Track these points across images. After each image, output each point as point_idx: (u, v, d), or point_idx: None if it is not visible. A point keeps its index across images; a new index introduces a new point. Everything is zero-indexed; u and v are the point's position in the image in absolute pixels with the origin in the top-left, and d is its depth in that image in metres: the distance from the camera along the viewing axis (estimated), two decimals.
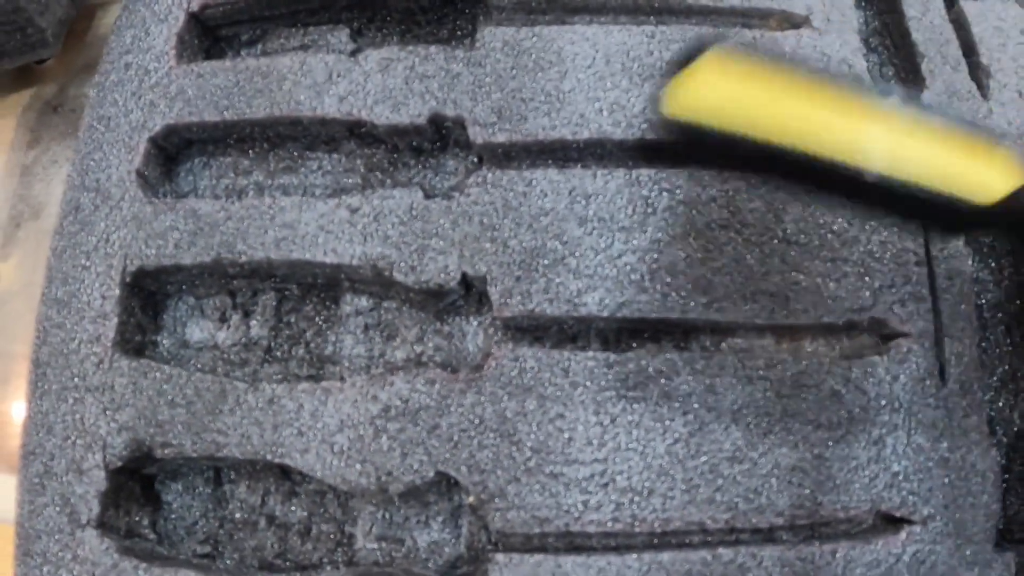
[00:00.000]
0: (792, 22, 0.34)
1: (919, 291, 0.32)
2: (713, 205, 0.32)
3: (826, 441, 0.30)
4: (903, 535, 0.30)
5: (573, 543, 0.30)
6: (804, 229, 0.32)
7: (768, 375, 0.31)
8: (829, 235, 0.32)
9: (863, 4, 0.35)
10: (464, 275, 0.31)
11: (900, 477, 0.31)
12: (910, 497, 0.31)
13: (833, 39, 0.34)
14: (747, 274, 0.31)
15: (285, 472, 0.34)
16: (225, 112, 0.35)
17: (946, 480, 0.31)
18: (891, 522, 0.31)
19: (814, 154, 0.23)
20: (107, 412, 0.34)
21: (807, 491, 0.30)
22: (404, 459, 0.30)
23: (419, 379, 0.30)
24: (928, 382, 0.31)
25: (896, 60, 0.35)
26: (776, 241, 0.32)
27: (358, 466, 0.30)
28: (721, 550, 0.30)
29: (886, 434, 0.31)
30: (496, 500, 0.29)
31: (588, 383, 0.30)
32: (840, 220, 0.32)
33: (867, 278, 0.32)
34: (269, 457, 0.31)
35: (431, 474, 0.30)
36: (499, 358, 0.30)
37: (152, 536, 0.35)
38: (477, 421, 0.30)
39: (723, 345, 0.32)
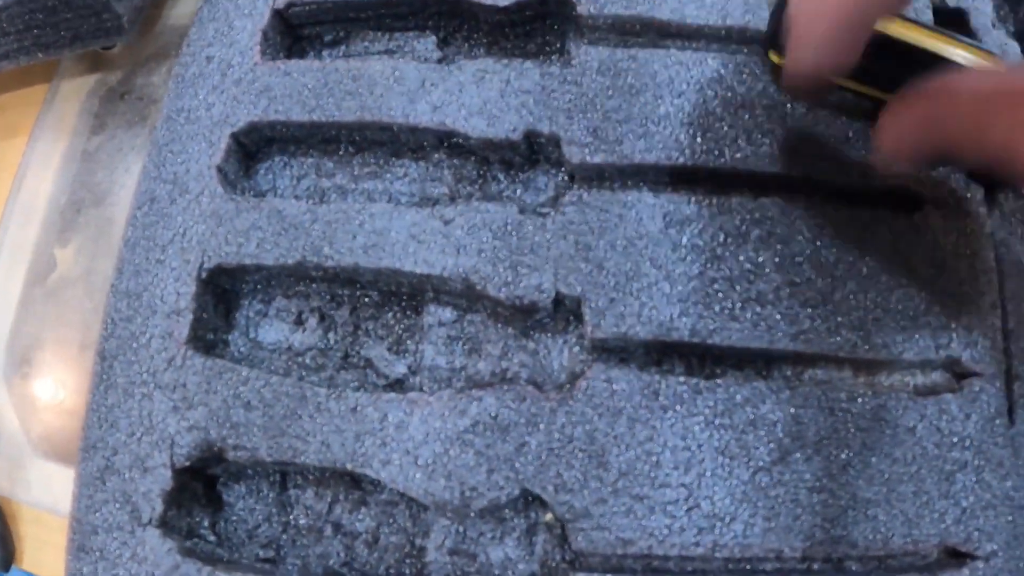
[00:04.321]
0: None
1: (992, 333, 0.33)
2: (801, 239, 0.32)
3: (901, 476, 0.31)
4: (966, 571, 0.31)
5: (651, 565, 0.30)
6: (886, 266, 0.32)
7: (849, 408, 0.31)
8: (909, 274, 0.32)
9: None
10: (558, 293, 0.31)
11: (967, 514, 0.32)
12: (975, 533, 0.32)
13: None
14: (832, 308, 0.32)
15: (355, 480, 0.34)
16: (313, 112, 0.35)
17: (1010, 518, 0.32)
18: (954, 556, 0.32)
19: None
20: (177, 410, 0.33)
21: (881, 524, 0.31)
22: (490, 475, 0.30)
23: (509, 395, 0.30)
24: (998, 421, 0.32)
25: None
26: (860, 277, 0.32)
27: (442, 480, 0.30)
28: None
29: (956, 471, 0.32)
30: (581, 520, 0.30)
31: (677, 407, 0.30)
32: (920, 262, 0.33)
33: (944, 318, 0.32)
34: (349, 466, 0.31)
35: (516, 492, 0.30)
36: (591, 379, 0.30)
37: (212, 538, 0.35)
38: (567, 440, 0.30)
39: (804, 376, 0.33)
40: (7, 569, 0.41)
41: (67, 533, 0.34)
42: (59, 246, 0.43)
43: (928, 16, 0.36)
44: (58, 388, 0.41)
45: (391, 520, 0.34)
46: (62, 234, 0.43)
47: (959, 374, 0.33)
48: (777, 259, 0.32)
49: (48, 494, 0.41)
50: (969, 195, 0.33)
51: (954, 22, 0.36)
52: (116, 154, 0.43)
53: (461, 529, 0.32)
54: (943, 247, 0.33)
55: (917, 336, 0.32)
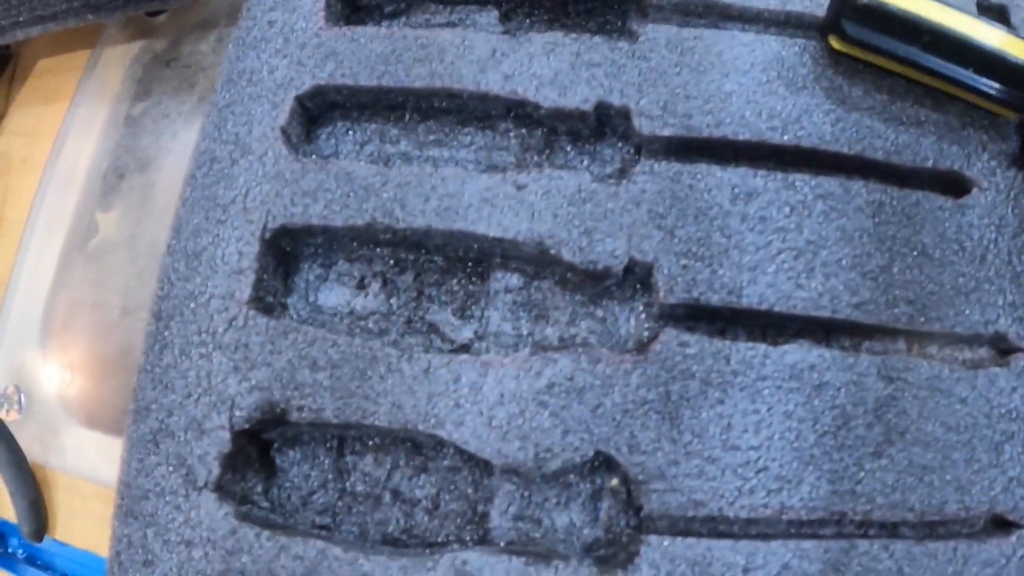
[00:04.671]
0: None
1: None
2: (860, 214, 0.34)
3: (955, 444, 0.32)
4: (1014, 538, 0.32)
5: (718, 528, 0.31)
6: (939, 244, 0.34)
7: (906, 376, 0.32)
8: (961, 250, 0.34)
9: None
10: (631, 259, 0.32)
11: (1015, 483, 0.33)
12: (1022, 502, 0.33)
13: None
14: (889, 281, 0.33)
15: (416, 446, 0.34)
16: (382, 78, 0.35)
17: None
18: (1001, 525, 0.33)
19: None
20: (238, 370, 0.33)
21: (936, 490, 0.32)
22: (565, 436, 0.30)
23: (584, 357, 0.31)
24: None
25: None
26: (916, 253, 0.33)
27: (517, 442, 0.30)
28: (857, 541, 0.31)
29: (1003, 440, 0.33)
30: (654, 482, 0.30)
31: (748, 372, 0.31)
32: (971, 239, 0.34)
33: (991, 295, 0.34)
34: (421, 428, 0.31)
35: (591, 453, 0.30)
36: (664, 342, 0.31)
37: (265, 504, 0.34)
38: (641, 402, 0.30)
39: (862, 347, 0.34)
40: (40, 539, 0.39)
41: (115, 499, 0.33)
42: (101, 211, 0.42)
43: (972, 11, 0.37)
44: (96, 353, 0.40)
45: (452, 487, 0.34)
46: (104, 199, 0.42)
47: (1004, 350, 0.34)
48: (839, 232, 0.33)
49: (83, 462, 0.40)
50: (1014, 179, 0.35)
51: (996, 18, 0.38)
52: (162, 120, 0.43)
53: (526, 494, 0.33)
54: (990, 228, 0.35)
55: (967, 311, 0.33)
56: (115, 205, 0.41)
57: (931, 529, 0.33)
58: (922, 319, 0.33)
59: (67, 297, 0.41)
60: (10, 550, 0.42)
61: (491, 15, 0.38)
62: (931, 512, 0.32)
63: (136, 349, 0.35)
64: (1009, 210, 0.35)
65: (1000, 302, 0.34)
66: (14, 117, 0.46)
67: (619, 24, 0.38)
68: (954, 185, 0.35)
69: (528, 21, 0.39)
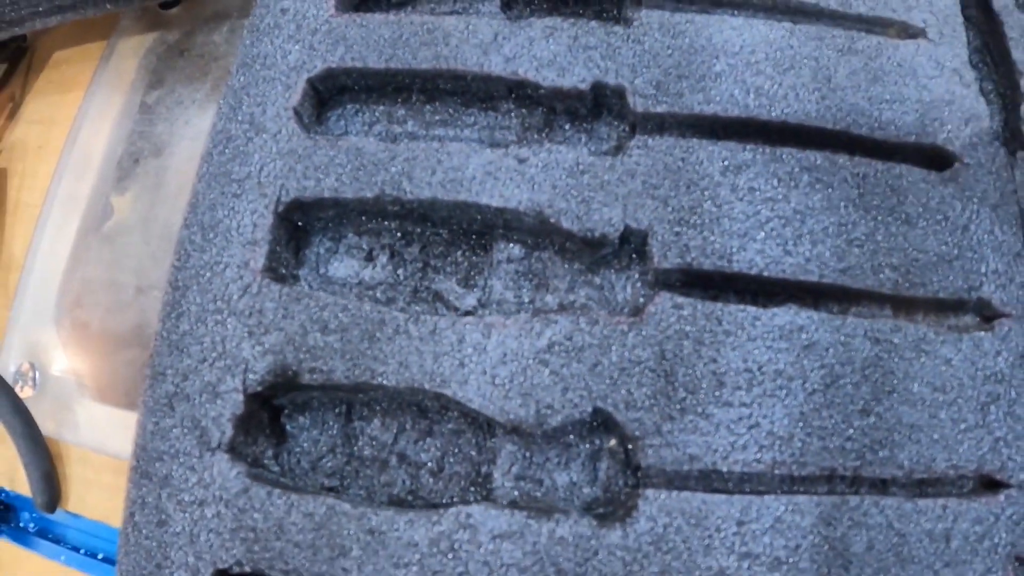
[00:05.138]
0: (909, 32, 0.39)
1: (1020, 278, 0.35)
2: (846, 185, 0.35)
3: (941, 403, 0.33)
4: (1002, 497, 0.33)
5: (712, 484, 0.32)
6: (923, 214, 0.35)
7: (892, 338, 0.34)
8: (944, 220, 0.35)
9: (969, 24, 0.40)
10: (626, 227, 0.33)
11: (1001, 443, 0.34)
12: (1009, 462, 0.34)
13: (946, 50, 0.38)
14: (875, 248, 0.34)
15: (422, 410, 0.35)
16: (389, 61, 0.37)
17: None
18: (989, 485, 0.34)
19: None
20: (252, 335, 0.34)
21: (924, 447, 0.33)
22: (564, 394, 0.31)
23: (583, 319, 0.32)
24: None
25: (996, 76, 0.39)
26: (900, 222, 0.35)
27: (519, 399, 0.32)
28: (848, 496, 0.32)
29: (989, 402, 0.34)
30: (650, 437, 0.31)
31: (739, 332, 0.32)
32: (953, 209, 0.36)
33: (975, 263, 0.35)
34: (427, 386, 0.32)
35: (589, 409, 0.31)
36: (659, 304, 0.32)
37: (275, 468, 0.35)
38: (637, 361, 0.32)
39: (849, 312, 0.35)
40: (53, 510, 0.40)
41: (129, 462, 0.34)
42: (116, 194, 0.43)
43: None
44: (110, 331, 0.42)
45: (456, 449, 0.35)
46: (119, 182, 0.43)
47: (988, 316, 0.36)
48: (825, 202, 0.34)
49: (96, 436, 0.41)
50: (995, 153, 0.37)
51: (979, 4, 0.40)
52: (176, 107, 0.45)
53: (527, 455, 0.34)
54: (972, 199, 0.36)
55: (951, 278, 0.35)
56: (130, 188, 0.43)
57: (921, 487, 0.34)
58: (907, 284, 0.34)
59: (82, 277, 0.43)
60: (22, 524, 0.43)
61: (493, 3, 0.40)
62: (920, 470, 0.33)
63: (149, 326, 0.36)
64: (991, 183, 0.37)
65: (983, 269, 0.35)
66: (30, 106, 0.47)
67: (615, 11, 0.40)
68: (937, 160, 0.37)
69: (528, 9, 0.41)
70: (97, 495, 0.40)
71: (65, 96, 0.47)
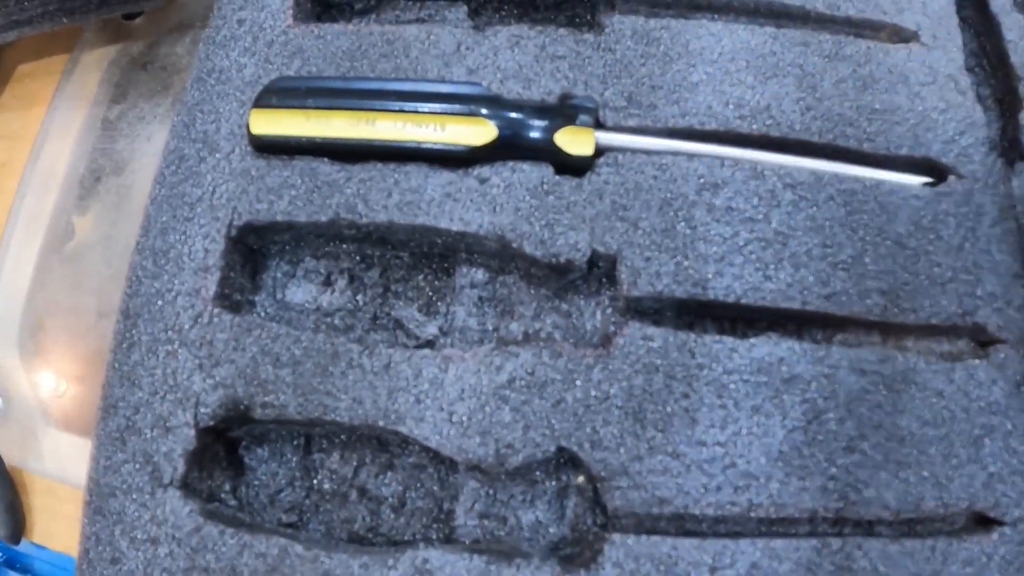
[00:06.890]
0: (902, 36, 0.36)
1: (1016, 301, 0.33)
2: (831, 203, 0.33)
3: (931, 439, 0.31)
4: (995, 536, 0.31)
5: (685, 526, 0.30)
6: (914, 234, 0.33)
7: (880, 369, 0.31)
8: (937, 239, 0.33)
9: (964, 26, 0.37)
10: (594, 252, 0.31)
11: (995, 479, 0.32)
12: (1003, 499, 0.32)
13: (940, 55, 0.35)
14: (862, 271, 0.32)
15: (382, 444, 0.34)
16: (347, 73, 0.35)
17: None
18: (982, 523, 0.32)
19: None
20: (203, 367, 0.33)
21: (912, 486, 0.31)
22: (526, 432, 0.30)
23: (546, 352, 0.30)
24: (1023, 388, 0.33)
25: (993, 81, 0.37)
26: (890, 243, 0.33)
27: (478, 438, 0.30)
28: (830, 539, 0.30)
29: (983, 435, 0.32)
30: (617, 478, 0.29)
31: (713, 365, 0.30)
32: (947, 228, 0.33)
33: (969, 286, 0.33)
34: (382, 423, 0.30)
35: (552, 449, 0.30)
36: (627, 336, 0.30)
37: (233, 503, 0.34)
38: (603, 397, 0.30)
39: (834, 340, 0.33)
40: (17, 542, 0.39)
41: (83, 496, 0.33)
42: (78, 214, 0.42)
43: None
44: (73, 356, 0.41)
45: (418, 484, 0.33)
46: (81, 202, 0.42)
47: (983, 342, 0.33)
48: (809, 222, 0.32)
49: (60, 465, 0.40)
50: (992, 166, 0.34)
51: (975, 5, 0.37)
52: (137, 123, 0.43)
53: (491, 492, 0.32)
54: (968, 216, 0.34)
55: (944, 302, 0.33)
56: (92, 208, 0.41)
57: (909, 527, 0.32)
58: (896, 310, 0.32)
59: (44, 300, 0.41)
60: None
61: (460, 10, 0.38)
62: (907, 509, 0.31)
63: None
64: (988, 198, 0.34)
65: (979, 292, 0.33)
66: None
67: (588, 17, 0.38)
68: (930, 173, 0.35)
69: (496, 17, 0.39)
70: (63, 526, 0.40)
71: (29, 111, 0.45)
